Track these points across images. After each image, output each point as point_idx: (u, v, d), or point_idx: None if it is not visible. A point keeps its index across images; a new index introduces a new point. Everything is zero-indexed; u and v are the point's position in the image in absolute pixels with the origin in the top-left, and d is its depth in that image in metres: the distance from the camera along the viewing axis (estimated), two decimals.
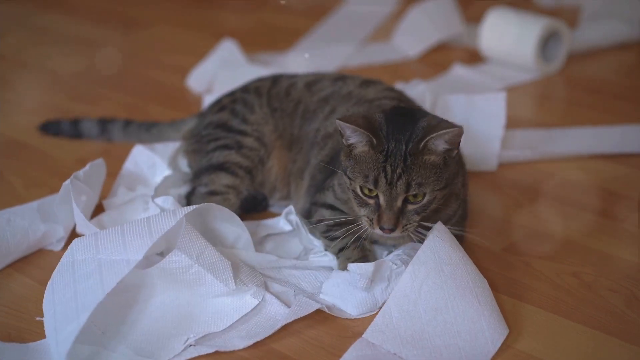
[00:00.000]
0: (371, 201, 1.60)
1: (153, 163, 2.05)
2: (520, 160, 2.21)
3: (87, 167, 1.87)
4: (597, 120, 2.43)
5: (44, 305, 1.56)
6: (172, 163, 2.08)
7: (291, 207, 1.89)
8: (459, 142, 1.60)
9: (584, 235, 1.88)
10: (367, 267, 1.61)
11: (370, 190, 1.59)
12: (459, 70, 2.77)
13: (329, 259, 1.77)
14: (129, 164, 2.06)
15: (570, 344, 1.55)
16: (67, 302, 1.50)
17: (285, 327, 1.58)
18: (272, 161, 1.97)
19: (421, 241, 1.62)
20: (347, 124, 1.57)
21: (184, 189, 1.98)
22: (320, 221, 1.77)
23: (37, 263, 1.81)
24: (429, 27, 3.01)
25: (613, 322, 1.60)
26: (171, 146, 2.10)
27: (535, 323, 1.60)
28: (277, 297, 1.63)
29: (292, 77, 2.07)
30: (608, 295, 1.68)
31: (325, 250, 1.79)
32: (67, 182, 1.79)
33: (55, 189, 1.87)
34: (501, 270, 1.75)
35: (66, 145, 2.35)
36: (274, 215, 1.94)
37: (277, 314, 1.59)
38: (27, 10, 3.52)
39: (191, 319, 1.57)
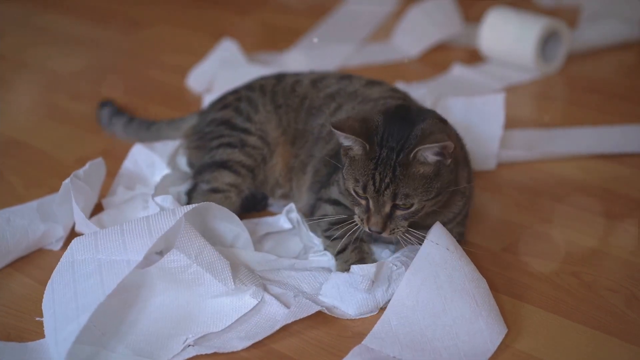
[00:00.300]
0: (363, 202, 1.62)
1: (152, 162, 2.06)
2: (519, 160, 2.21)
3: (87, 166, 1.87)
4: (597, 120, 2.43)
5: (43, 305, 1.55)
6: (171, 162, 2.08)
7: (292, 205, 1.89)
8: (451, 153, 1.59)
9: (584, 235, 1.88)
10: (370, 269, 1.62)
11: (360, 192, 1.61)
12: (459, 70, 2.77)
13: (328, 259, 1.77)
14: (128, 163, 2.06)
15: (570, 344, 1.55)
16: (67, 302, 1.50)
17: (285, 328, 1.58)
18: (276, 158, 1.96)
19: (411, 244, 1.63)
20: (340, 132, 1.58)
21: (183, 188, 1.98)
22: (323, 217, 1.77)
23: (37, 262, 1.81)
24: (429, 27, 3.01)
25: (613, 322, 1.60)
26: (170, 145, 2.10)
27: (535, 323, 1.60)
28: (277, 298, 1.62)
29: (297, 75, 2.08)
30: (608, 295, 1.68)
31: (325, 249, 1.79)
32: (67, 181, 1.79)
33: (55, 189, 1.87)
34: (501, 270, 1.75)
35: (66, 144, 2.35)
36: (273, 214, 1.94)
37: (277, 315, 1.59)
38: (27, 10, 3.52)
39: (190, 319, 1.57)
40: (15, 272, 1.78)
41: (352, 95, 1.94)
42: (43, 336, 1.54)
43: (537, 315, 1.62)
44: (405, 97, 1.96)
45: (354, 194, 1.62)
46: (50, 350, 1.50)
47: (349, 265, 1.67)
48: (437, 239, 1.60)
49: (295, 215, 1.88)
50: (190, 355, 1.52)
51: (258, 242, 1.84)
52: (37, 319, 1.59)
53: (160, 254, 1.67)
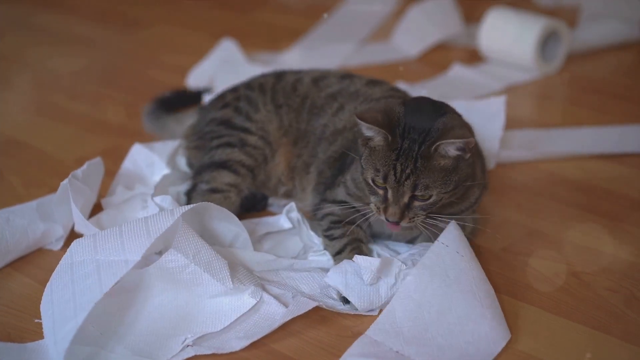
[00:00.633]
0: (380, 191, 1.64)
1: (152, 162, 2.05)
2: (519, 160, 2.21)
3: (85, 166, 1.87)
4: (596, 120, 2.43)
5: (42, 306, 1.56)
6: (171, 162, 2.08)
7: (292, 205, 1.89)
8: (472, 149, 1.62)
9: (583, 235, 1.88)
10: (373, 262, 1.62)
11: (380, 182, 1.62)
12: (459, 70, 2.77)
13: (328, 259, 1.77)
14: (128, 163, 2.06)
15: (570, 344, 1.55)
16: (65, 303, 1.50)
17: (285, 328, 1.58)
18: (278, 158, 1.96)
19: (431, 234, 1.66)
20: (364, 123, 1.60)
21: (182, 188, 1.98)
22: (327, 215, 1.78)
23: (37, 262, 1.81)
24: (429, 27, 3.01)
25: (613, 322, 1.60)
26: (170, 145, 2.10)
27: (535, 323, 1.60)
28: (276, 299, 1.62)
29: (297, 73, 2.07)
30: (608, 295, 1.68)
31: (325, 249, 1.79)
32: (65, 181, 1.79)
33: (54, 189, 1.86)
34: (501, 270, 1.75)
35: (66, 144, 2.35)
36: (273, 214, 1.94)
37: (275, 314, 1.59)
38: (27, 10, 3.52)
39: (189, 319, 1.57)
40: (15, 272, 1.78)
41: (353, 95, 1.94)
42: (43, 336, 1.54)
43: (537, 315, 1.62)
44: (405, 96, 1.96)
45: (372, 183, 1.64)
46: (49, 351, 1.50)
47: None
48: (448, 241, 1.62)
49: (295, 214, 1.88)
50: (189, 356, 1.52)
51: (258, 242, 1.84)
52: (36, 320, 1.59)
53: (160, 254, 1.67)
